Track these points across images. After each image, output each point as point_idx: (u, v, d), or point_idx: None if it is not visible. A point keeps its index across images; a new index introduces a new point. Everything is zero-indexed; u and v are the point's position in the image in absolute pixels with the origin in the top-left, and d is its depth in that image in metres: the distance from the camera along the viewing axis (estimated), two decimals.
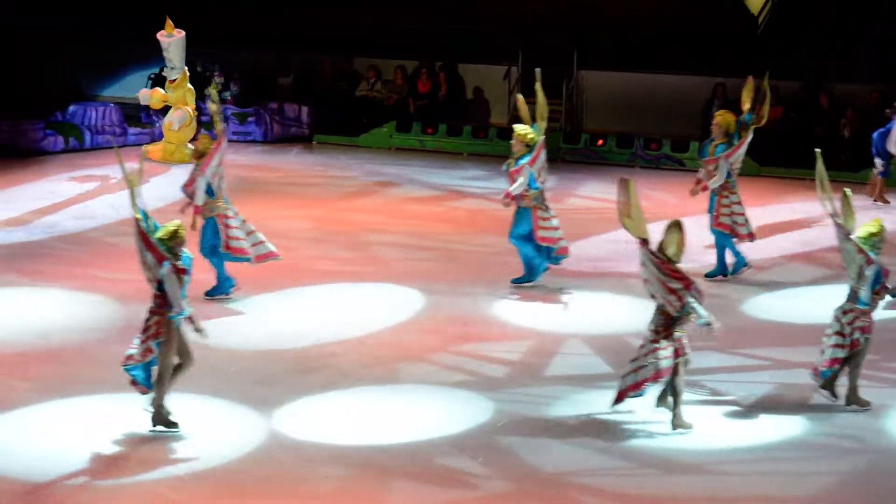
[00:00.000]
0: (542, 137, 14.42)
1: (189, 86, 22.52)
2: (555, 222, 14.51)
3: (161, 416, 10.27)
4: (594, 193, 20.41)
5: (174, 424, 10.30)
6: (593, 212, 18.88)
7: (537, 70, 14.98)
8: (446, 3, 27.23)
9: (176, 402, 10.40)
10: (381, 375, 11.89)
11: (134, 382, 10.29)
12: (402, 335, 13.10)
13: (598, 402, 11.03)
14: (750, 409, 11.19)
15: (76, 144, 23.57)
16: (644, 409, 10.87)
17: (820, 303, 14.58)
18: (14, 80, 26.36)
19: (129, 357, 10.25)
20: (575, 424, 10.73)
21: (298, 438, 10.39)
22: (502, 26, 26.45)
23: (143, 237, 10.07)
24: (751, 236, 15.13)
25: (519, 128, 14.54)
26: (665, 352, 10.38)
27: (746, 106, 15.61)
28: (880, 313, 12.39)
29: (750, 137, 15.14)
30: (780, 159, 23.31)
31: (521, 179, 14.20)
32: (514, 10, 26.70)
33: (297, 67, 27.03)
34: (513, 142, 14.47)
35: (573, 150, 24.64)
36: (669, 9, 26.39)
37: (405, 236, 17.12)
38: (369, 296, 14.25)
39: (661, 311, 10.50)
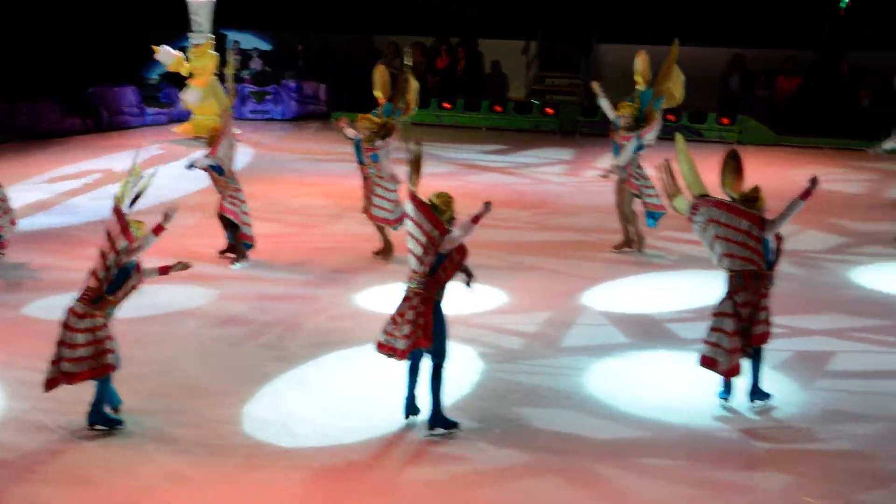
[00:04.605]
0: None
1: (212, 52, 22.69)
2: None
3: None
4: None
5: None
6: (610, 183, 18.80)
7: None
8: None
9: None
10: None
11: None
12: None
13: (616, 373, 11.10)
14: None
15: (93, 126, 23.67)
16: (663, 382, 10.94)
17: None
18: (34, 65, 26.50)
19: None
20: (593, 395, 10.76)
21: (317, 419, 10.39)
22: (521, 1, 26.47)
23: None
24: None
25: None
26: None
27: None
28: None
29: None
30: (797, 129, 23.35)
31: None
32: None
33: (316, 45, 27.11)
34: None
35: (591, 122, 24.67)
36: None
37: None
38: (388, 269, 14.25)
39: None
